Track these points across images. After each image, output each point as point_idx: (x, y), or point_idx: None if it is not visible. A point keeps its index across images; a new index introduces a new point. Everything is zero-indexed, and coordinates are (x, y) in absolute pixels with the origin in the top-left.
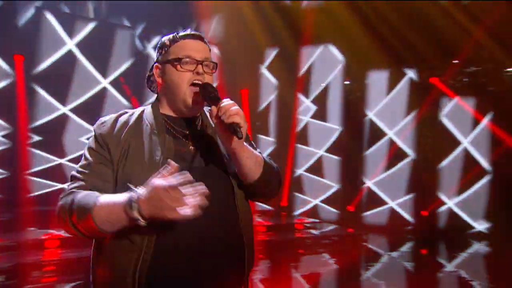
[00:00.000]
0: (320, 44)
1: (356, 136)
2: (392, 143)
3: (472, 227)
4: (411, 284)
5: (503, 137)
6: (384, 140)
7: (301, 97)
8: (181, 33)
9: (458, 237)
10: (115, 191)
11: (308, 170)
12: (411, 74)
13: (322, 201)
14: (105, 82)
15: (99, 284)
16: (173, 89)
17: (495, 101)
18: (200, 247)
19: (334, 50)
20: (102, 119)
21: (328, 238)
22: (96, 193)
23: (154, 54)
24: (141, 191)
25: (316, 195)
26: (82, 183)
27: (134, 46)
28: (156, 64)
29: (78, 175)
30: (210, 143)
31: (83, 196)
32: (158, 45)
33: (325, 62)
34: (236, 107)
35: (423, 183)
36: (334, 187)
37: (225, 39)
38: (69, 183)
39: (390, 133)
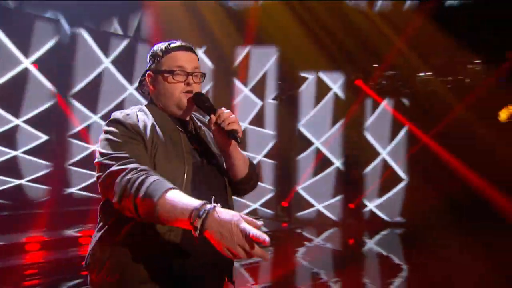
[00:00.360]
0: (259, 45)
1: (289, 142)
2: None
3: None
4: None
5: (419, 135)
6: (312, 148)
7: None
8: (173, 45)
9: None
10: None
11: None
12: (342, 76)
13: (261, 205)
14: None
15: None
16: (167, 97)
17: (411, 102)
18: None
19: (270, 51)
20: (124, 112)
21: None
22: (168, 183)
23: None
24: (218, 208)
25: (253, 200)
26: (136, 157)
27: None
28: (149, 72)
29: (122, 154)
30: (205, 143)
31: (156, 181)
32: (151, 54)
33: (261, 63)
34: (234, 115)
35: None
36: (271, 191)
37: (157, 36)
38: (117, 158)
39: (317, 143)
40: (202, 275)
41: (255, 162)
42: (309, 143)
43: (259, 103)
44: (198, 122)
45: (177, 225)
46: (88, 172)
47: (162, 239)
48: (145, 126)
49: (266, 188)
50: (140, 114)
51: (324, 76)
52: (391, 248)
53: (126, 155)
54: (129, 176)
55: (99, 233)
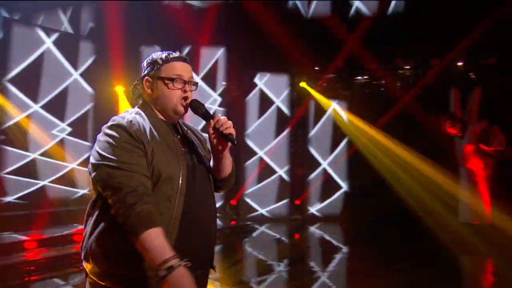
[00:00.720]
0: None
1: (237, 148)
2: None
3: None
4: None
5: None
6: (256, 157)
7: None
8: (172, 55)
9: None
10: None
11: None
12: (287, 78)
13: None
14: None
15: None
16: (165, 101)
17: (349, 104)
18: (199, 221)
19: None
20: (127, 118)
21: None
22: (158, 220)
23: None
24: (182, 271)
25: None
26: (138, 174)
27: None
28: (147, 77)
29: (125, 165)
30: (194, 146)
31: (152, 209)
32: (149, 61)
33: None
34: (230, 121)
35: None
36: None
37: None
38: (117, 169)
39: (261, 153)
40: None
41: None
42: (254, 152)
43: (212, 108)
44: (184, 127)
45: (145, 259)
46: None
47: (170, 221)
48: (144, 130)
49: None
50: (138, 118)
51: (271, 79)
52: (332, 237)
53: (129, 162)
54: (133, 192)
55: (96, 228)
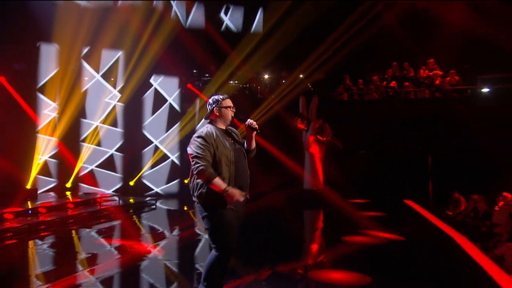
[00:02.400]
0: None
1: (136, 137)
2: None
3: None
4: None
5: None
6: (152, 145)
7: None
8: (224, 96)
9: None
10: (214, 161)
11: (100, 165)
12: (177, 80)
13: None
14: None
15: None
16: (226, 118)
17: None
18: (242, 175)
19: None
20: (205, 130)
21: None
22: (215, 174)
23: None
24: (231, 188)
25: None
26: (207, 159)
27: None
28: (216, 107)
29: (201, 155)
30: (235, 139)
31: (213, 172)
32: (214, 100)
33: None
34: (255, 122)
35: (185, 158)
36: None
37: None
38: (198, 157)
39: (156, 142)
40: (244, 189)
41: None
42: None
43: (112, 102)
44: (229, 130)
45: (215, 190)
46: None
47: (229, 177)
48: (212, 134)
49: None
50: (209, 128)
51: (163, 80)
52: None
53: (204, 154)
54: (203, 168)
55: (196, 180)
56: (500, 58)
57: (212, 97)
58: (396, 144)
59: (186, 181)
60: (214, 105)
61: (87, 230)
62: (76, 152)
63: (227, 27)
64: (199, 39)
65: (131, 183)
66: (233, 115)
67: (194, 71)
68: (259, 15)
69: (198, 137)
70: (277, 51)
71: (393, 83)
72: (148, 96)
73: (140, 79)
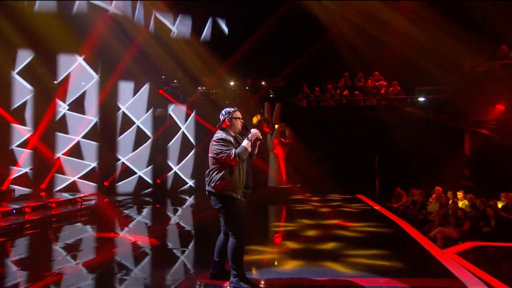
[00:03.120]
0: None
1: (110, 125)
2: (138, 129)
3: (187, 183)
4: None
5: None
6: (133, 128)
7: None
8: (235, 109)
9: (178, 196)
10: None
11: (67, 153)
12: (148, 85)
13: (80, 178)
14: None
15: (230, 186)
16: (235, 127)
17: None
18: (248, 174)
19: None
20: (224, 135)
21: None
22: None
23: None
24: (252, 134)
25: (75, 174)
26: (232, 149)
27: None
28: (226, 119)
29: (225, 148)
30: (240, 143)
31: (237, 150)
32: (226, 112)
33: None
34: (258, 131)
35: (156, 160)
36: (91, 165)
37: None
38: (224, 151)
39: (138, 122)
40: (249, 185)
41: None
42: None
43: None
44: (237, 136)
45: (249, 148)
46: None
47: (239, 175)
48: (230, 139)
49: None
50: (224, 134)
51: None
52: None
53: (230, 148)
54: (234, 154)
55: (219, 174)
56: (432, 72)
57: (225, 109)
58: (348, 146)
59: (158, 181)
60: (226, 116)
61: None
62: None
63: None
64: (168, 47)
65: (105, 183)
66: (241, 125)
67: (163, 77)
68: (208, 25)
69: (219, 139)
70: (241, 60)
71: (345, 92)
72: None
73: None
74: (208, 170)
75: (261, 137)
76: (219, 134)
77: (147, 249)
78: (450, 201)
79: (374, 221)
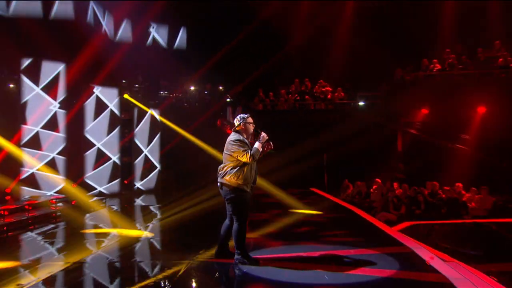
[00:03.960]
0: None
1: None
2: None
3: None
4: None
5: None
6: (94, 148)
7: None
8: (248, 115)
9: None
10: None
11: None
12: (116, 91)
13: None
14: None
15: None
16: (248, 130)
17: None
18: (256, 173)
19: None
20: (237, 137)
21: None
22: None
23: None
24: (262, 137)
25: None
26: (248, 151)
27: None
28: (241, 123)
29: (243, 148)
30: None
31: (252, 151)
32: (242, 117)
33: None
34: (266, 135)
35: (123, 161)
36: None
37: None
38: (246, 152)
39: (98, 145)
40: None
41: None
42: (93, 144)
43: (52, 109)
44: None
45: (260, 149)
46: None
47: (250, 171)
48: (245, 140)
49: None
50: (239, 136)
51: (103, 91)
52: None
53: (246, 149)
54: (249, 155)
55: (233, 170)
56: (370, 80)
57: (240, 115)
58: (301, 145)
59: (125, 182)
60: (241, 121)
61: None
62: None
63: (154, 40)
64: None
65: (73, 185)
66: (253, 128)
67: (123, 81)
68: (181, 33)
69: (236, 140)
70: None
71: (297, 97)
72: (90, 103)
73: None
74: (222, 165)
75: (268, 138)
76: (235, 136)
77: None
78: (397, 191)
79: (332, 209)
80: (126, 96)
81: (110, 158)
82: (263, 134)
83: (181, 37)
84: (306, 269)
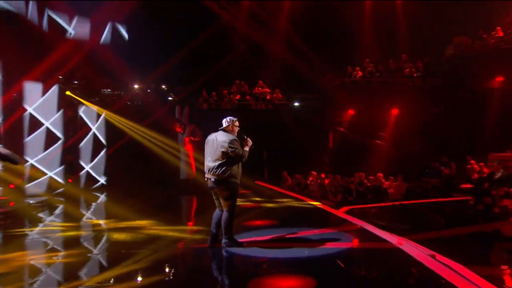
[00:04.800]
0: None
1: (16, 127)
2: (48, 130)
3: (99, 181)
4: None
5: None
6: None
7: None
8: (236, 118)
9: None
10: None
11: None
12: (57, 86)
13: None
14: None
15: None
16: (234, 132)
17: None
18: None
19: None
20: (232, 137)
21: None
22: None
23: None
24: (247, 141)
25: None
26: (240, 149)
27: None
28: (230, 125)
29: (237, 148)
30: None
31: (243, 151)
32: (231, 120)
33: None
34: (250, 140)
35: (66, 159)
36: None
37: None
38: (238, 150)
39: (47, 123)
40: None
41: None
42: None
43: None
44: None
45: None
46: None
47: (238, 167)
48: (236, 138)
49: None
50: (232, 135)
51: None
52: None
53: (239, 147)
54: (242, 154)
55: (227, 166)
56: (305, 83)
57: (229, 117)
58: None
59: (70, 181)
60: (230, 123)
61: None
62: None
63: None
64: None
65: (10, 186)
66: (237, 131)
67: (60, 77)
68: (108, 29)
69: (233, 141)
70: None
71: (238, 96)
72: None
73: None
74: (215, 162)
75: (251, 142)
76: (230, 136)
77: None
78: (326, 181)
79: (284, 197)
80: (68, 92)
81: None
82: (249, 139)
83: (123, 35)
84: (285, 247)
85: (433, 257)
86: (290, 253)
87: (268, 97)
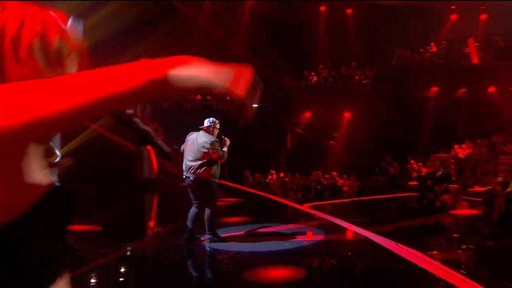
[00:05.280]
0: None
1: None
2: None
3: None
4: None
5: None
6: None
7: None
8: (218, 121)
9: None
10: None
11: None
12: None
13: None
14: None
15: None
16: (215, 133)
17: None
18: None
19: None
20: (214, 138)
21: None
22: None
23: None
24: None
25: None
26: (220, 150)
27: None
28: (211, 126)
29: (218, 149)
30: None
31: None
32: (212, 120)
33: None
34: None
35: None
36: None
37: None
38: (219, 151)
39: None
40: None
41: None
42: None
43: None
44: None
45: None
46: None
47: (219, 168)
48: (217, 138)
49: None
50: (215, 138)
51: None
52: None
53: (220, 149)
54: (222, 154)
55: (208, 165)
56: (265, 84)
57: (211, 118)
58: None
59: None
60: (212, 124)
61: None
62: None
63: None
64: None
65: None
66: (217, 133)
67: None
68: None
69: (214, 142)
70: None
71: (199, 96)
72: None
73: None
74: (194, 162)
75: (229, 142)
76: (211, 137)
77: None
78: (286, 179)
79: (248, 196)
80: None
81: None
82: (227, 139)
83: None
84: (266, 241)
85: (397, 245)
86: (273, 246)
87: (228, 97)
